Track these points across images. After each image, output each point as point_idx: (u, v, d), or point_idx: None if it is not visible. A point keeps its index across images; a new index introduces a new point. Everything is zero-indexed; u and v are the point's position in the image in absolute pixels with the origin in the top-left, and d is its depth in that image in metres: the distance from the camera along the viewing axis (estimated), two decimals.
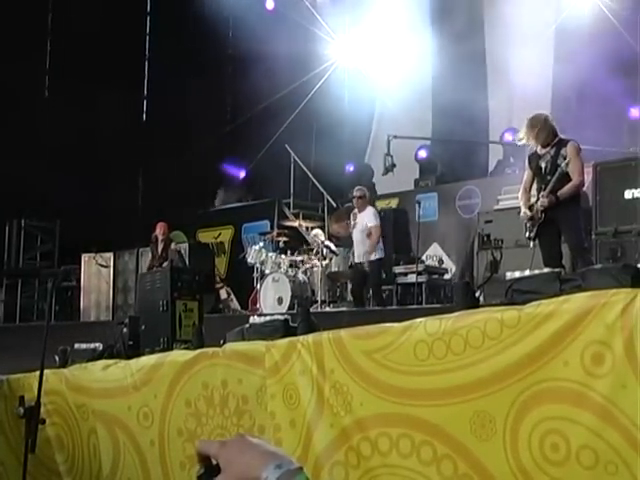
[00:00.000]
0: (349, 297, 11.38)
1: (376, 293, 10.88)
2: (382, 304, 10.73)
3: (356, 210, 11.35)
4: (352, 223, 11.33)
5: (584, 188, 10.32)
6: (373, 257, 10.83)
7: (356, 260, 11.01)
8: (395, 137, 11.93)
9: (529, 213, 7.97)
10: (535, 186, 8.12)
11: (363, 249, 10.89)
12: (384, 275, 11.60)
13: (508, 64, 14.48)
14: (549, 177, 7.89)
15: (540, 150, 8.04)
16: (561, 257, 7.91)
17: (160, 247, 13.22)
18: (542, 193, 7.90)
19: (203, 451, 1.61)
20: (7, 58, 14.75)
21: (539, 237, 8.11)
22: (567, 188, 7.79)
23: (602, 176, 8.62)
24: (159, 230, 13.38)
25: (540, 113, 8.20)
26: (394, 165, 11.91)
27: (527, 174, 8.22)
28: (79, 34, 15.34)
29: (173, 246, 12.90)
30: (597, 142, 11.81)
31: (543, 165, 7.99)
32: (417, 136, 15.59)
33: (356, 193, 11.42)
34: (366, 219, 11.07)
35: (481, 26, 15.09)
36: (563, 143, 7.92)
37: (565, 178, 7.83)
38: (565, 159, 7.82)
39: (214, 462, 1.60)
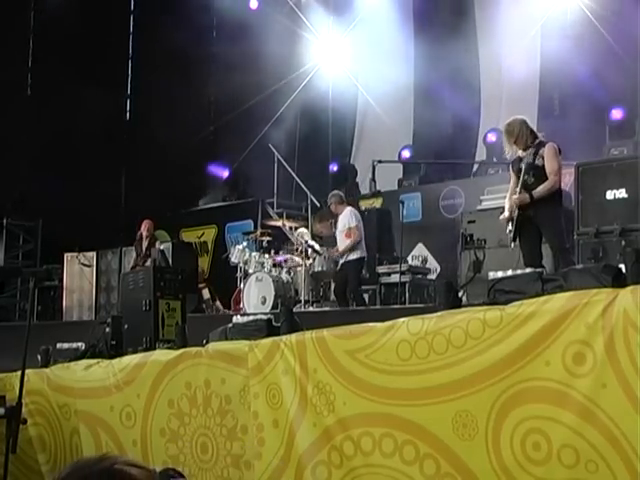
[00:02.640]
0: (332, 297, 11.38)
1: (355, 293, 10.86)
2: (362, 304, 10.73)
3: (336, 213, 11.43)
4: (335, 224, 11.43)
5: (566, 188, 10.43)
6: (352, 257, 10.86)
7: (341, 260, 11.04)
8: (380, 162, 12.07)
9: (507, 215, 8.06)
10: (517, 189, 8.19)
11: (342, 250, 10.95)
12: (367, 275, 11.59)
13: (499, 65, 14.52)
14: (525, 177, 7.96)
15: (521, 154, 8.12)
16: (541, 257, 7.97)
17: (145, 245, 13.17)
18: (514, 193, 7.97)
19: None
20: None
21: (519, 237, 8.11)
22: (541, 187, 7.85)
23: (584, 177, 8.65)
24: (144, 227, 13.32)
25: (516, 118, 8.29)
26: (379, 191, 12.20)
27: (512, 179, 8.31)
28: (62, 33, 15.28)
29: (157, 245, 12.85)
30: (579, 143, 11.90)
31: (523, 167, 8.08)
32: (403, 143, 15.66)
33: (329, 200, 11.52)
34: (345, 220, 11.10)
35: (473, 25, 15.11)
36: (542, 144, 7.99)
37: (542, 178, 7.89)
38: (542, 159, 7.88)
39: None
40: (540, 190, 7.84)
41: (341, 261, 10.97)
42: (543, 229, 7.92)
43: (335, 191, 11.98)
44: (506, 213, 8.10)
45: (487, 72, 14.97)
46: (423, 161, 14.95)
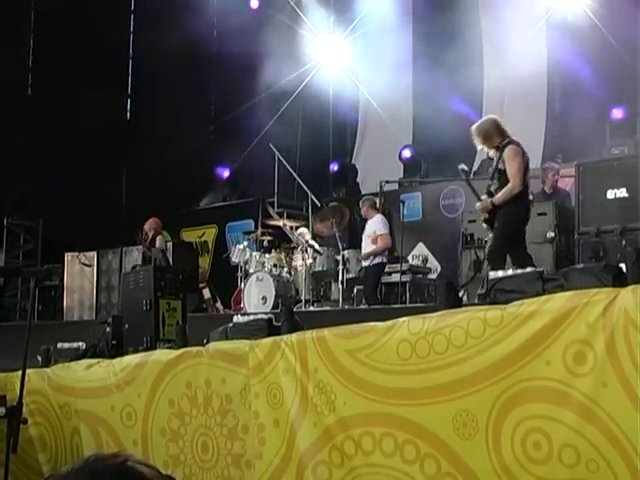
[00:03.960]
0: (333, 296, 11.39)
1: (369, 297, 10.92)
2: (376, 304, 10.76)
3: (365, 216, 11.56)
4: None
5: (567, 188, 10.43)
6: (374, 262, 10.99)
7: (364, 264, 11.13)
8: (387, 182, 12.23)
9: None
10: None
11: (365, 255, 11.09)
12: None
13: (502, 63, 14.50)
14: (490, 182, 8.01)
15: (491, 154, 8.13)
16: (528, 256, 7.96)
17: (149, 242, 13.16)
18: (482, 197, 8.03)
19: None
20: None
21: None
22: (500, 193, 7.83)
23: (584, 176, 8.65)
24: (150, 226, 13.33)
25: (486, 118, 8.31)
26: (387, 209, 12.47)
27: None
28: (62, 32, 15.27)
29: (157, 243, 12.84)
30: (580, 142, 11.90)
31: (490, 170, 8.14)
32: (403, 143, 15.64)
33: (362, 204, 11.69)
34: (374, 226, 11.20)
35: (476, 25, 15.09)
36: (504, 147, 7.92)
37: (506, 182, 7.85)
38: (504, 163, 7.84)
39: None
40: (499, 197, 7.82)
41: (364, 264, 11.05)
42: (495, 231, 7.95)
43: (370, 196, 12.10)
44: (485, 215, 8.15)
45: (490, 71, 14.95)
46: (425, 142, 14.90)
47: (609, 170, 8.56)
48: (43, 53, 16.47)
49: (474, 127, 8.15)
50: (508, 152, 7.86)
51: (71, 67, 15.87)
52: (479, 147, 8.23)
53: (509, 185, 7.77)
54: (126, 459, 1.80)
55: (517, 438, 3.68)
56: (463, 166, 8.73)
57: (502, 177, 7.86)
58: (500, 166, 7.86)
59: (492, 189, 7.92)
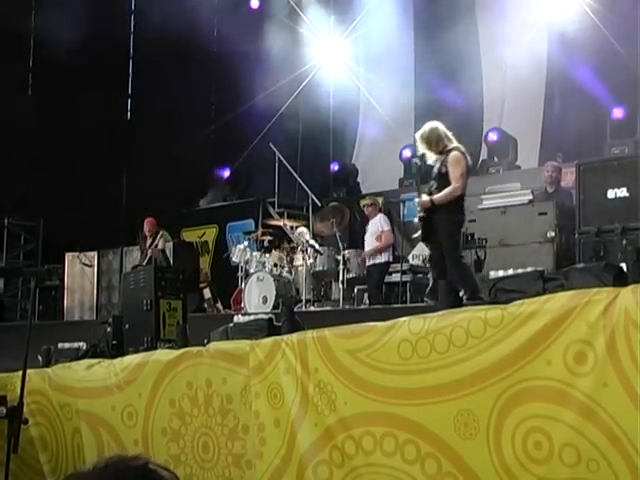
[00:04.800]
0: (333, 296, 11.39)
1: (374, 293, 10.94)
2: (379, 304, 10.77)
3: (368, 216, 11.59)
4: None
5: (568, 187, 10.42)
6: (379, 260, 11.04)
7: (368, 263, 11.17)
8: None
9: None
10: None
11: (370, 252, 11.13)
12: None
13: (502, 64, 14.51)
14: (433, 183, 8.28)
15: (435, 158, 8.38)
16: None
17: (148, 243, 13.18)
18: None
19: None
20: None
21: (426, 240, 8.55)
22: (442, 194, 8.11)
23: (585, 176, 8.64)
24: (147, 226, 13.34)
25: (431, 126, 8.52)
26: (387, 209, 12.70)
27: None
28: (63, 32, 15.25)
29: (160, 245, 12.85)
30: (580, 141, 11.90)
31: (433, 173, 8.37)
32: (403, 143, 15.64)
33: (366, 201, 11.67)
34: (377, 224, 11.30)
35: (474, 24, 15.08)
36: (449, 152, 8.24)
37: (446, 185, 8.14)
38: (446, 167, 8.15)
39: None
40: (439, 196, 8.11)
41: (368, 263, 11.08)
42: (438, 235, 8.21)
43: (371, 196, 12.15)
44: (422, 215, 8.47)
45: (490, 71, 14.95)
46: None
47: (609, 170, 8.56)
48: (43, 53, 16.47)
49: (419, 134, 8.48)
50: (452, 157, 8.19)
51: (71, 67, 15.88)
52: (420, 152, 8.50)
53: (451, 187, 8.09)
54: (147, 461, 1.84)
55: (518, 438, 3.68)
56: (417, 160, 8.99)
57: (442, 180, 8.16)
58: (442, 170, 8.16)
59: (432, 190, 8.24)
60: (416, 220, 8.65)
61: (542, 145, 13.79)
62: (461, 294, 8.14)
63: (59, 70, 15.83)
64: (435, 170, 8.28)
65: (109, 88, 16.79)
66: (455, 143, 8.34)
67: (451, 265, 8.21)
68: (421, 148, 8.46)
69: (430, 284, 8.70)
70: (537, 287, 4.11)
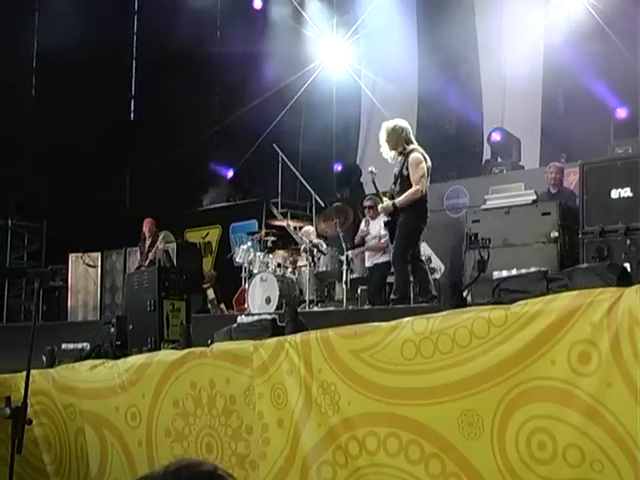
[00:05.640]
0: (337, 297, 11.38)
1: (374, 295, 10.94)
2: (381, 304, 10.76)
3: (368, 218, 11.51)
4: (365, 230, 11.48)
5: (571, 187, 10.42)
6: (382, 259, 11.03)
7: (366, 264, 11.16)
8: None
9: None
10: None
11: (374, 253, 11.11)
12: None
13: (500, 64, 14.49)
14: (392, 186, 8.53)
15: (396, 158, 8.61)
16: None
17: (147, 244, 13.19)
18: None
19: None
20: None
21: (392, 242, 8.73)
22: (403, 196, 8.36)
23: (588, 176, 8.63)
24: (145, 227, 13.35)
25: (389, 123, 8.75)
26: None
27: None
28: (66, 33, 15.28)
29: (161, 244, 12.85)
30: (583, 142, 11.88)
31: (394, 173, 8.59)
32: None
33: (367, 203, 11.59)
34: (380, 227, 11.22)
35: (473, 26, 15.07)
36: (409, 154, 8.42)
37: (408, 187, 8.37)
38: (408, 169, 8.35)
39: None
40: (401, 199, 8.37)
41: (368, 264, 11.08)
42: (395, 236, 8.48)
43: (373, 197, 12.08)
44: (380, 220, 8.90)
45: (489, 70, 14.93)
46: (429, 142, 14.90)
47: (613, 170, 8.55)
48: (47, 54, 16.49)
49: (388, 128, 8.62)
50: (413, 159, 8.38)
51: (75, 68, 15.90)
52: (382, 144, 8.66)
53: (412, 189, 8.31)
54: (216, 467, 1.89)
55: (522, 438, 3.68)
56: (372, 168, 9.21)
57: (404, 182, 8.39)
58: (404, 172, 8.38)
59: (395, 193, 8.47)
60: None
61: (542, 145, 13.79)
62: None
63: (62, 70, 15.86)
64: (396, 172, 8.51)
65: (112, 88, 16.84)
66: (415, 144, 8.47)
67: (394, 263, 8.43)
68: (381, 139, 8.62)
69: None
70: (541, 287, 4.10)
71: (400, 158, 8.60)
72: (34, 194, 15.58)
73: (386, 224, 8.72)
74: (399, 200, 8.38)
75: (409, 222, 8.48)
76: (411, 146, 8.54)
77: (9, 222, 15.93)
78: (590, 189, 8.57)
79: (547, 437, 3.59)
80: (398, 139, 8.51)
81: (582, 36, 12.65)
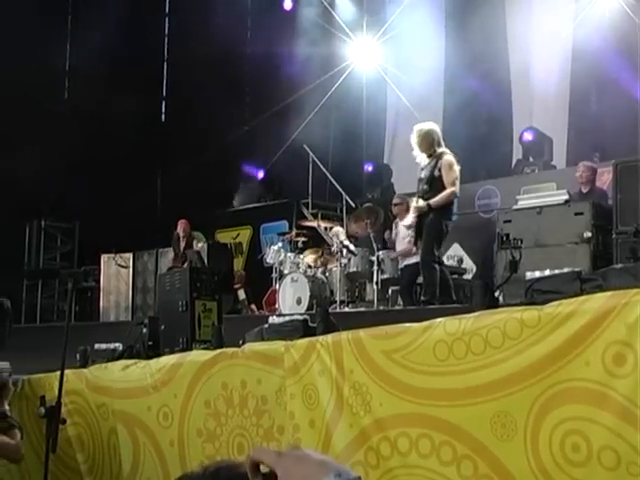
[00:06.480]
0: (368, 297, 11.37)
1: (403, 294, 10.92)
2: (411, 304, 10.74)
3: (397, 219, 11.47)
4: (394, 232, 11.44)
5: (604, 187, 10.33)
6: (412, 260, 10.99)
7: (400, 265, 11.13)
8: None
9: (411, 221, 8.89)
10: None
11: (402, 252, 11.09)
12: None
13: (529, 62, 14.42)
14: (425, 186, 8.56)
15: (424, 160, 8.68)
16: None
17: (182, 245, 13.26)
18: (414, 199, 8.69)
19: (258, 459, 1.60)
20: (27, 60, 14.83)
21: (417, 243, 8.90)
22: (439, 196, 8.44)
23: (622, 175, 8.56)
24: (180, 228, 13.42)
25: (422, 126, 8.82)
26: None
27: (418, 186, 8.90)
28: (99, 36, 15.41)
29: (195, 245, 12.93)
30: (616, 140, 11.78)
31: (422, 175, 8.65)
32: None
33: (395, 200, 11.55)
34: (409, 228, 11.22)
35: (503, 24, 15.00)
36: (441, 156, 8.53)
37: (439, 188, 8.45)
38: (440, 171, 8.45)
39: (264, 469, 1.60)
40: (437, 199, 8.43)
41: (400, 265, 11.05)
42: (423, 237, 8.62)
43: (402, 196, 12.05)
44: (410, 219, 8.91)
45: (517, 68, 14.86)
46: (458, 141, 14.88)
47: None
48: (79, 56, 16.63)
49: (420, 131, 8.74)
50: (446, 161, 8.51)
51: (107, 70, 16.02)
52: (414, 146, 8.79)
53: (448, 191, 8.44)
54: None
55: (556, 440, 3.64)
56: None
57: (436, 183, 8.47)
58: (435, 173, 8.47)
59: (423, 194, 8.57)
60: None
61: (570, 144, 13.70)
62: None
63: (95, 72, 15.98)
64: (426, 174, 8.57)
65: (144, 90, 16.93)
66: (444, 148, 8.57)
67: (425, 263, 8.49)
68: (413, 142, 8.71)
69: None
70: (574, 288, 4.07)
71: (430, 160, 8.64)
72: (67, 195, 15.71)
73: (411, 225, 8.77)
74: (435, 200, 8.43)
75: (439, 223, 8.53)
76: (441, 149, 8.63)
77: (42, 223, 16.08)
78: (624, 188, 8.50)
79: (581, 439, 3.56)
80: (429, 142, 8.60)
81: (615, 33, 12.54)
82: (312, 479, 1.53)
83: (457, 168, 8.58)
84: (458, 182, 8.60)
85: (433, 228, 8.56)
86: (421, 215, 8.60)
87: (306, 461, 1.57)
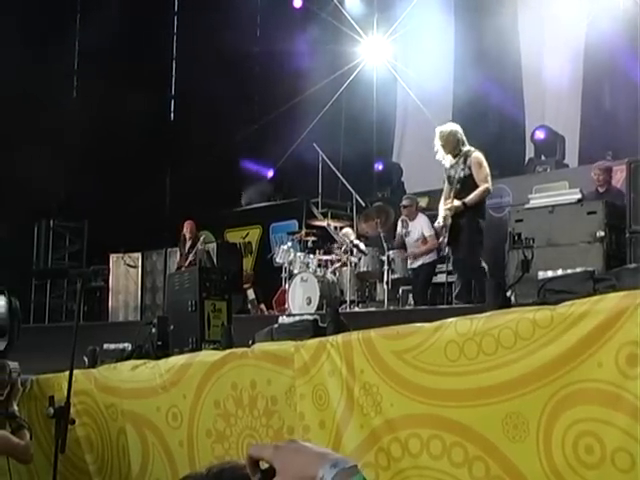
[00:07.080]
0: (378, 297, 11.35)
1: (419, 296, 10.90)
2: (424, 304, 10.72)
3: (405, 218, 11.42)
4: (403, 231, 11.40)
5: (618, 185, 10.27)
6: (427, 260, 11.01)
7: (409, 266, 11.10)
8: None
9: (441, 222, 8.73)
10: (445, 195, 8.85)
11: (417, 254, 11.06)
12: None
13: (541, 59, 14.36)
14: (458, 186, 8.53)
15: (451, 161, 8.68)
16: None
17: (188, 245, 13.25)
18: (448, 200, 8.60)
19: (256, 455, 1.64)
20: (36, 59, 14.86)
21: (452, 244, 8.75)
22: (473, 194, 8.44)
23: (636, 173, 8.50)
24: (186, 229, 13.41)
25: (445, 127, 8.83)
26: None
27: (445, 186, 8.90)
28: (107, 35, 15.42)
29: (201, 246, 12.91)
30: (630, 139, 11.70)
31: (452, 175, 8.64)
32: None
33: (404, 202, 11.51)
34: (421, 229, 11.16)
35: (514, 21, 14.94)
36: (469, 154, 8.57)
37: (471, 187, 8.47)
38: (470, 169, 8.48)
39: (263, 466, 1.64)
40: (472, 197, 8.47)
41: (414, 265, 11.03)
42: (460, 238, 8.60)
43: (411, 197, 12.01)
44: (440, 220, 8.77)
45: (529, 66, 14.80)
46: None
47: None
48: (88, 55, 16.66)
49: (444, 133, 8.77)
50: (475, 159, 8.56)
51: (115, 69, 16.04)
52: (438, 149, 8.80)
53: (482, 188, 8.49)
54: None
55: (568, 441, 3.60)
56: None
57: (468, 182, 8.50)
58: (466, 172, 8.50)
59: (455, 193, 8.54)
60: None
61: (582, 142, 13.64)
62: None
63: (103, 71, 16.00)
64: (456, 174, 8.56)
65: (152, 89, 16.95)
66: (468, 146, 8.57)
67: (474, 263, 8.51)
68: (437, 144, 8.71)
69: (458, 287, 8.81)
70: (587, 288, 4.03)
71: (457, 160, 8.61)
72: (75, 195, 15.73)
73: (446, 226, 8.66)
74: (470, 199, 8.44)
75: (476, 223, 8.50)
76: (466, 147, 8.60)
77: (51, 223, 16.09)
78: (638, 187, 8.44)
79: (594, 440, 3.52)
80: (454, 142, 8.60)
81: (629, 30, 12.47)
82: (309, 469, 1.55)
83: (486, 165, 8.54)
84: (490, 178, 8.55)
85: (473, 231, 8.53)
86: (455, 215, 8.50)
87: (303, 452, 1.60)
